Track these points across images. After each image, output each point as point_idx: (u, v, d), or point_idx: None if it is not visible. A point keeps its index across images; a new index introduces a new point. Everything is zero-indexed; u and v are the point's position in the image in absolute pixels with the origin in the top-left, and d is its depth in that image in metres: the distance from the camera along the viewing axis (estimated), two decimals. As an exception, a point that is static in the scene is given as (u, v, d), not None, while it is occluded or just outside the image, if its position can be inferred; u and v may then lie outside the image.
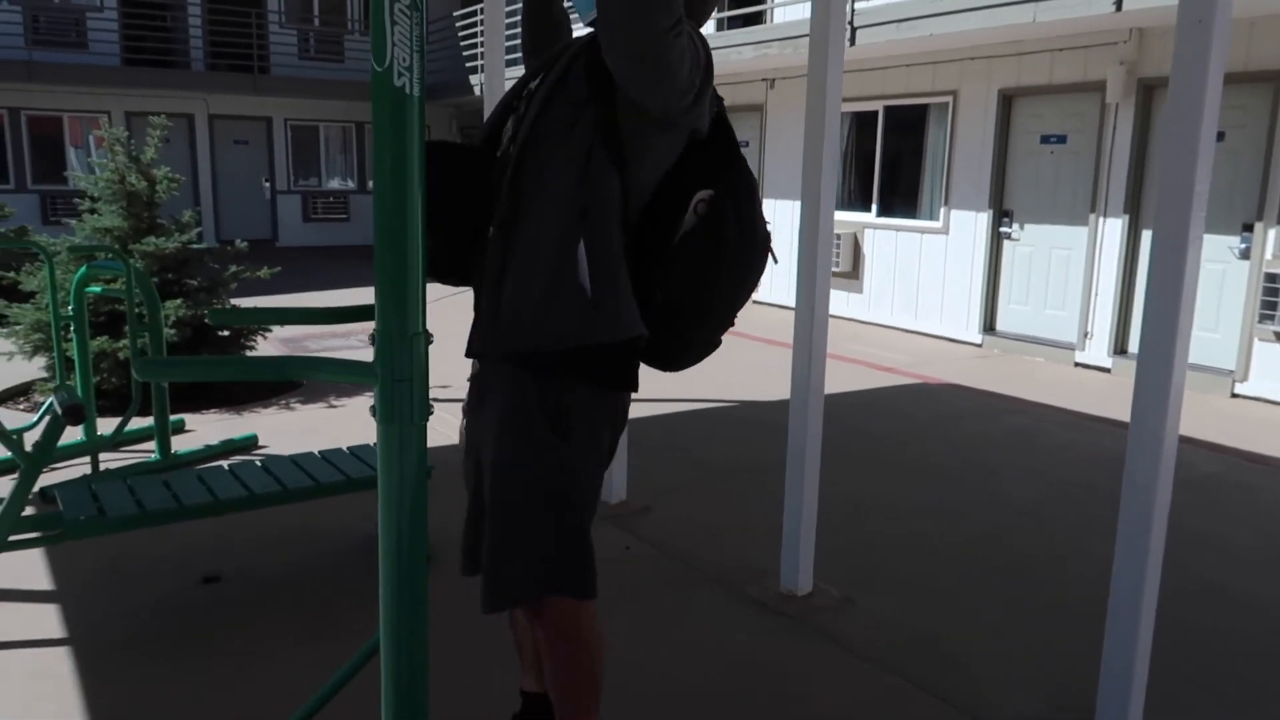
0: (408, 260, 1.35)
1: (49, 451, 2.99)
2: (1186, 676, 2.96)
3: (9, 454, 4.64)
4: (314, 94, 16.79)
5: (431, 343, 1.43)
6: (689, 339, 1.94)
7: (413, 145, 1.32)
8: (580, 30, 2.03)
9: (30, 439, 4.05)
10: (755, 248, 1.87)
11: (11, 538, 2.99)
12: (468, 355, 1.95)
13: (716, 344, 1.99)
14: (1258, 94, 6.80)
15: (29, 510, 3.28)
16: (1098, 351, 7.89)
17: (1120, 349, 7.74)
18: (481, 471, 1.91)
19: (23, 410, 5.99)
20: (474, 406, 1.98)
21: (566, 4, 2.20)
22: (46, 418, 4.43)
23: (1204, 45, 2.10)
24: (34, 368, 6.52)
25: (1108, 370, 7.75)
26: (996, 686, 2.87)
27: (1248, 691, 2.92)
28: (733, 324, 1.95)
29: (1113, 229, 7.76)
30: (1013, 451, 5.40)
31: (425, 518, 1.44)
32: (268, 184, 17.21)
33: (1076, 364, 8.01)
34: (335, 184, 18.04)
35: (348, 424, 5.64)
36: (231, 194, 16.69)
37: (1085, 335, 7.98)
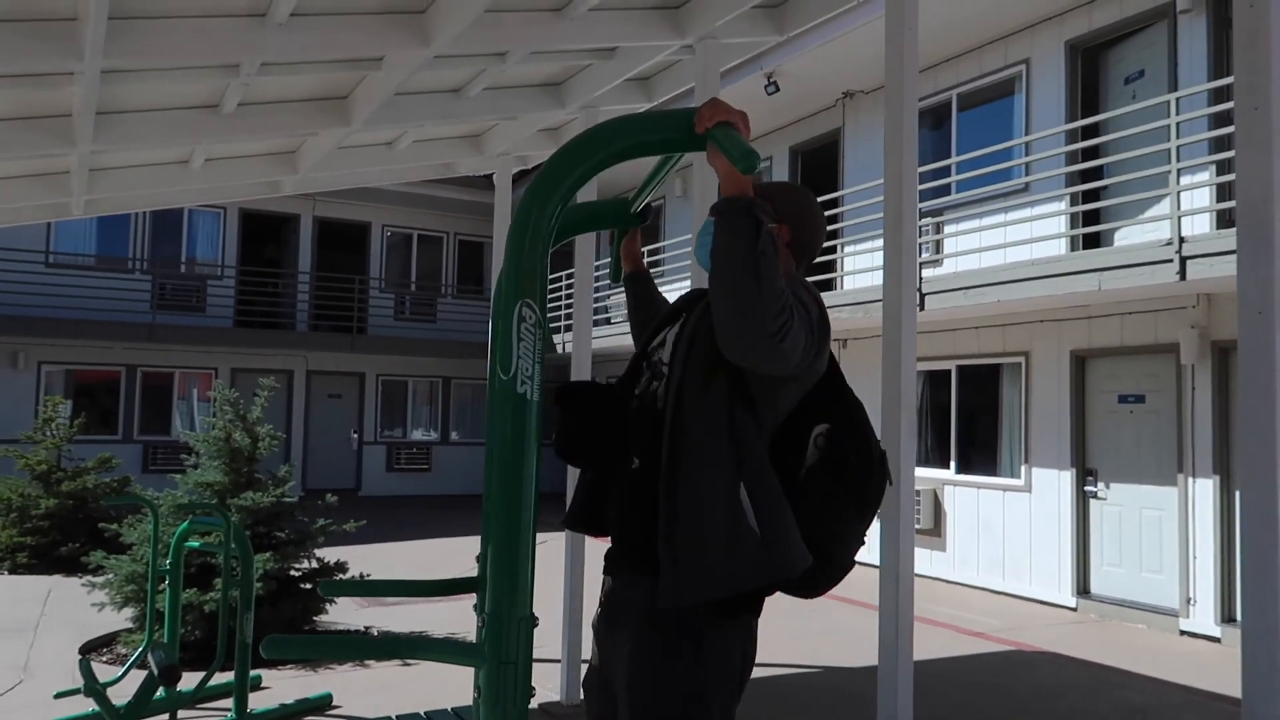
0: (520, 548, 1.45)
1: (140, 711, 3.04)
2: None
3: (95, 708, 4.70)
4: (405, 351, 17.84)
5: (537, 625, 1.50)
6: (824, 566, 1.99)
7: (530, 444, 1.46)
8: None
9: (112, 692, 4.10)
10: (874, 470, 2.00)
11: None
12: (605, 573, 2.07)
13: (851, 566, 2.05)
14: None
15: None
16: (1204, 619, 7.46)
17: (1228, 617, 7.31)
18: (607, 693, 1.99)
19: (105, 662, 6.07)
20: (606, 626, 2.06)
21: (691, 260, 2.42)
22: (133, 671, 4.52)
23: (1267, 331, 2.20)
24: (121, 618, 6.67)
25: (1218, 640, 7.29)
26: None
27: None
28: (864, 543, 2.04)
29: (1204, 489, 7.56)
30: (1121, 731, 5.04)
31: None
32: (356, 435, 17.94)
33: (1182, 632, 7.56)
34: (419, 435, 18.72)
35: (423, 682, 5.57)
36: (321, 444, 17.41)
37: (1188, 601, 7.59)
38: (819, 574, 1.99)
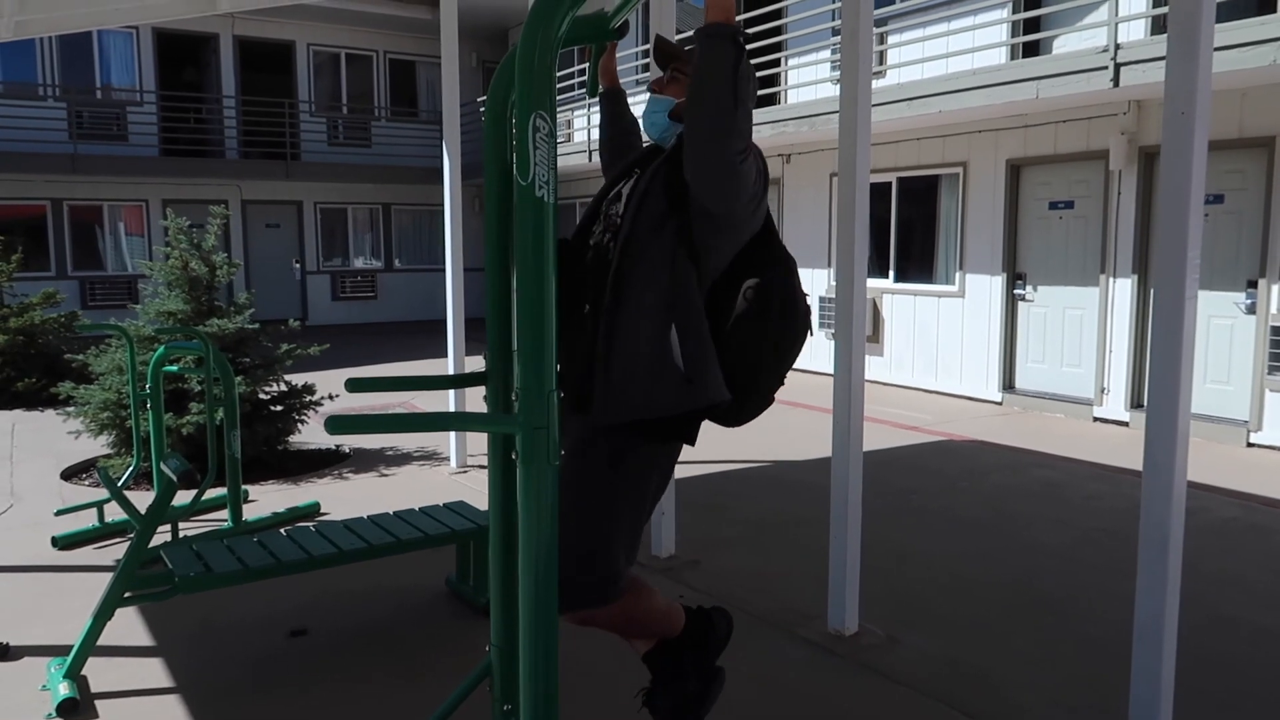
0: (544, 332, 1.68)
1: (163, 513, 3.31)
2: (1211, 699, 3.18)
3: (92, 524, 4.98)
4: (342, 178, 17.47)
5: (562, 398, 1.75)
6: (744, 402, 2.29)
7: (549, 241, 1.66)
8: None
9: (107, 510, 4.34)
10: (797, 324, 2.27)
11: (127, 594, 3.29)
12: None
13: (770, 402, 2.36)
14: (1253, 158, 7.18)
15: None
16: (1115, 406, 8.15)
17: (1137, 403, 8.00)
18: None
19: (88, 485, 6.31)
20: None
21: (642, 76, 2.61)
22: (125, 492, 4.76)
23: (1187, 132, 2.45)
24: (97, 445, 6.87)
25: (1126, 424, 7.99)
26: (1035, 711, 3.10)
27: (1265, 709, 3.13)
28: (782, 384, 2.33)
29: (1123, 289, 8.08)
30: (1041, 502, 5.65)
31: (557, 542, 1.74)
32: (298, 265, 17.78)
33: (1095, 419, 8.26)
34: (361, 263, 18.60)
35: (398, 490, 5.94)
36: (263, 275, 17.25)
37: (1102, 391, 8.25)
38: (740, 409, 2.28)
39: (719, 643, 2.55)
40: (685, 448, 2.33)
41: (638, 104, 2.49)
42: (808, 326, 2.30)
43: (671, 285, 2.13)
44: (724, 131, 1.98)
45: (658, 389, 2.12)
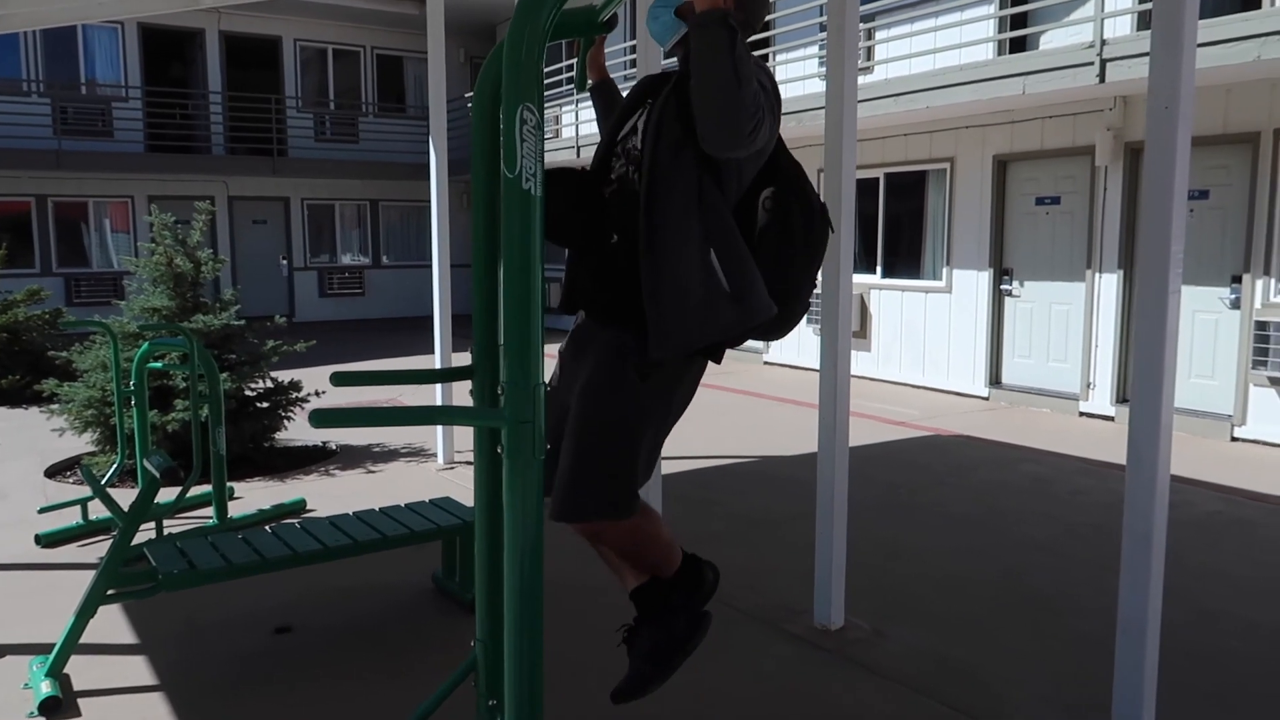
0: (530, 325, 1.67)
1: (146, 510, 3.28)
2: (1196, 693, 3.20)
3: (76, 521, 4.95)
4: (329, 174, 17.40)
5: (549, 390, 1.75)
6: (787, 311, 2.32)
7: (536, 233, 1.65)
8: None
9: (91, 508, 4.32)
10: (816, 222, 2.31)
11: (110, 591, 3.27)
12: (567, 311, 2.40)
13: (807, 308, 2.40)
14: (1237, 154, 7.21)
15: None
16: (1101, 401, 8.19)
17: (1122, 398, 8.03)
18: (566, 409, 2.29)
19: (72, 483, 6.26)
20: (571, 354, 2.39)
21: (631, 72, 2.60)
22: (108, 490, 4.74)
23: (1171, 127, 2.45)
24: (81, 443, 6.83)
25: (1111, 419, 8.03)
26: (1020, 704, 3.11)
27: (1251, 702, 3.15)
28: (815, 287, 2.39)
29: (1109, 284, 8.12)
30: (1028, 497, 5.67)
31: (542, 534, 1.73)
32: (285, 261, 17.70)
33: (1081, 414, 8.30)
34: (349, 260, 18.53)
35: (385, 487, 5.92)
36: (250, 272, 17.16)
37: (1088, 386, 8.28)
38: (781, 319, 2.31)
39: (706, 593, 2.55)
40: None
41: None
42: (828, 223, 2.34)
43: (703, 211, 2.15)
44: (734, 115, 1.99)
45: (710, 315, 2.14)
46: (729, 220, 2.19)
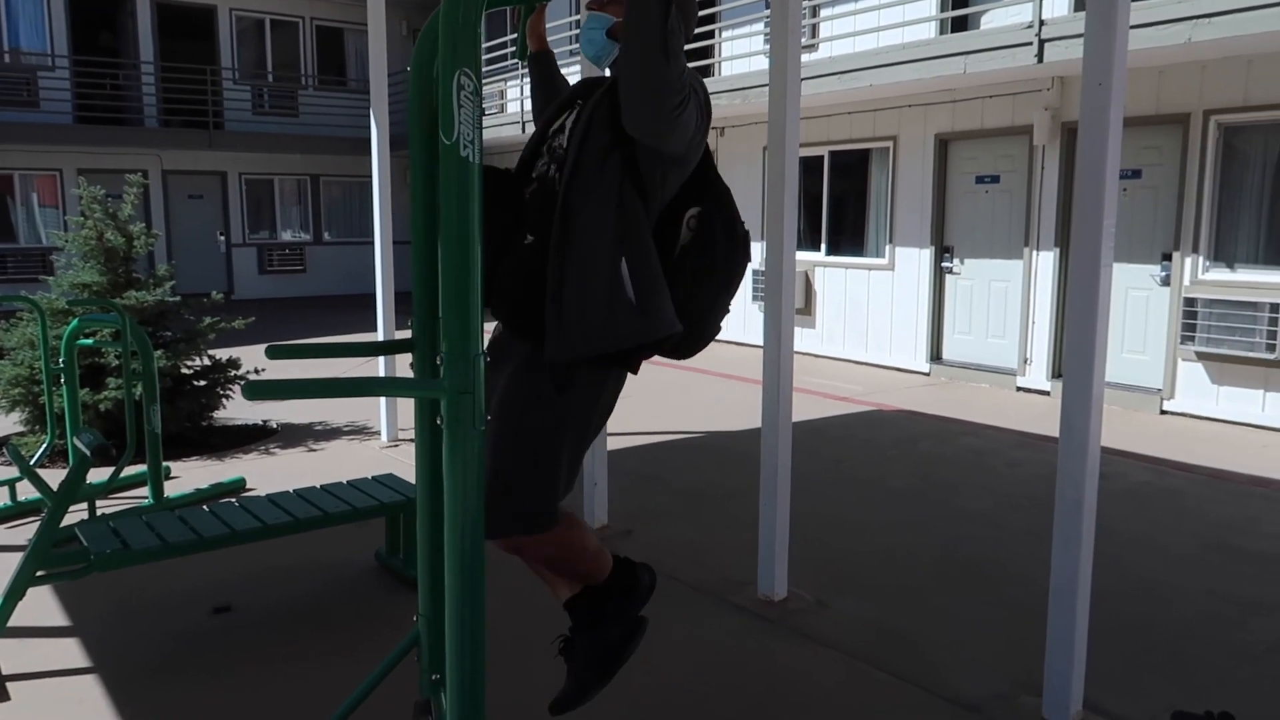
0: (469, 294, 1.65)
1: (76, 490, 3.20)
2: (1127, 655, 3.30)
3: (4, 503, 4.80)
4: (268, 148, 16.99)
5: (488, 362, 1.73)
6: (695, 332, 2.31)
7: (474, 201, 1.63)
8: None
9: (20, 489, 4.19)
10: (738, 248, 2.29)
11: (39, 573, 3.18)
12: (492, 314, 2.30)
13: (717, 332, 2.39)
14: (1169, 135, 7.39)
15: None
16: (1037, 376, 8.38)
17: (1058, 373, 8.22)
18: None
19: (1, 464, 6.07)
20: (489, 365, 2.31)
21: (574, 46, 2.57)
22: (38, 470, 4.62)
23: (1104, 104, 2.50)
24: (9, 423, 6.62)
25: (1047, 393, 8.22)
26: (958, 670, 3.19)
27: (1180, 665, 3.27)
28: (728, 313, 2.36)
29: (1045, 261, 8.29)
30: (967, 470, 5.79)
31: (483, 506, 1.72)
32: (222, 237, 17.29)
33: (1018, 388, 8.48)
34: (290, 236, 18.16)
35: (328, 465, 5.84)
36: (186, 248, 16.73)
37: (1025, 361, 8.47)
38: (690, 340, 2.30)
39: (642, 596, 2.55)
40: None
41: (571, 74, 2.45)
42: (748, 253, 2.32)
43: (620, 218, 2.12)
44: (657, 89, 1.97)
45: (612, 323, 2.10)
46: (645, 232, 2.16)
